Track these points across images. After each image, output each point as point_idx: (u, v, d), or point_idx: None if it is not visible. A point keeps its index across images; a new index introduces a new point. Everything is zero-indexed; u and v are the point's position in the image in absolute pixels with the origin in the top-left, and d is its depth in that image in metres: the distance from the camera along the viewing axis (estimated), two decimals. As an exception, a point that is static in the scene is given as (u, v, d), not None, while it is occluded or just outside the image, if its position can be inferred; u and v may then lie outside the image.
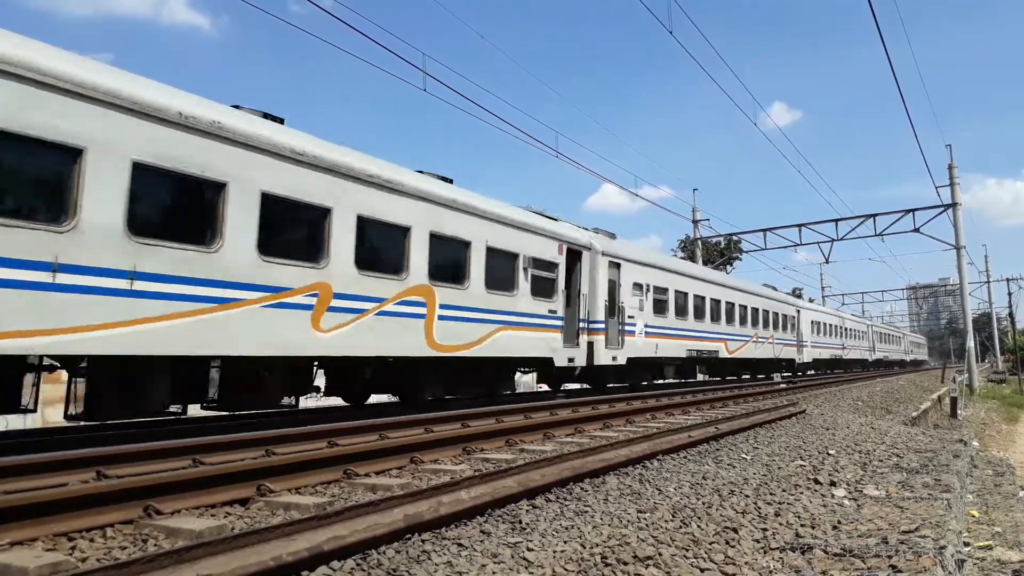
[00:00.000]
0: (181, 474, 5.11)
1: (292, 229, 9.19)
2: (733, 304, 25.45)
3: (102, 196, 7.07)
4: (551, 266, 14.39)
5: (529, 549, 4.04)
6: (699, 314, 22.40)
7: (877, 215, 33.50)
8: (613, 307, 16.76)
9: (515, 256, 13.25)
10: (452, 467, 6.59)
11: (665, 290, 19.84)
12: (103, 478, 5.31)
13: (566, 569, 3.77)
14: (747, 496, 5.85)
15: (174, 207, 7.98)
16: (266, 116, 9.33)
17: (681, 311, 20.85)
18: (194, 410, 9.02)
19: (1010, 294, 71.58)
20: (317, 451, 6.54)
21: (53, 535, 4.02)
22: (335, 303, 9.49)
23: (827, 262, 37.08)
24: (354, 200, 9.81)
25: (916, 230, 32.21)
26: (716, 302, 23.73)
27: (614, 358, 16.71)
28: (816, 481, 6.82)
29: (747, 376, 29.30)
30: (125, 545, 3.96)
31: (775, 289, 33.46)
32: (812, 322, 36.82)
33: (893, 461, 8.48)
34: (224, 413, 9.44)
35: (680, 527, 4.75)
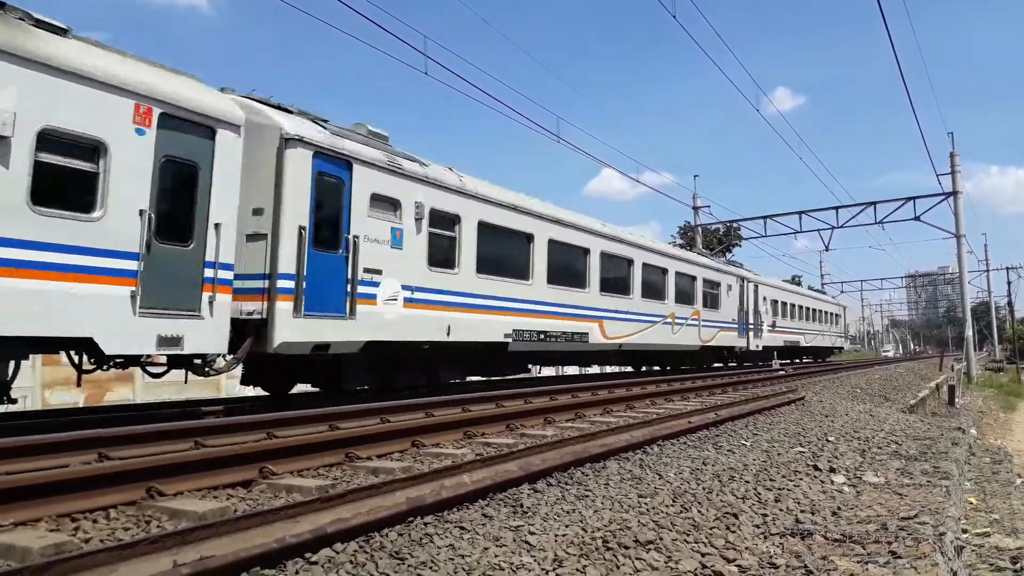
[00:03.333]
0: (183, 456, 5.13)
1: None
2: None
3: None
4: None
5: (531, 532, 4.05)
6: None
7: (878, 203, 33.38)
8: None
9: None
10: (454, 451, 6.61)
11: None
12: (105, 460, 5.32)
13: (568, 553, 3.78)
14: (747, 482, 5.87)
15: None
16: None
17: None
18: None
19: (1009, 283, 71.63)
20: (319, 434, 6.56)
21: (56, 516, 4.03)
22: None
23: (827, 249, 37.09)
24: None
25: (917, 218, 32.11)
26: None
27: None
28: (816, 467, 6.84)
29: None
30: (128, 526, 3.97)
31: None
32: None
33: (892, 448, 8.51)
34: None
35: (681, 512, 4.77)
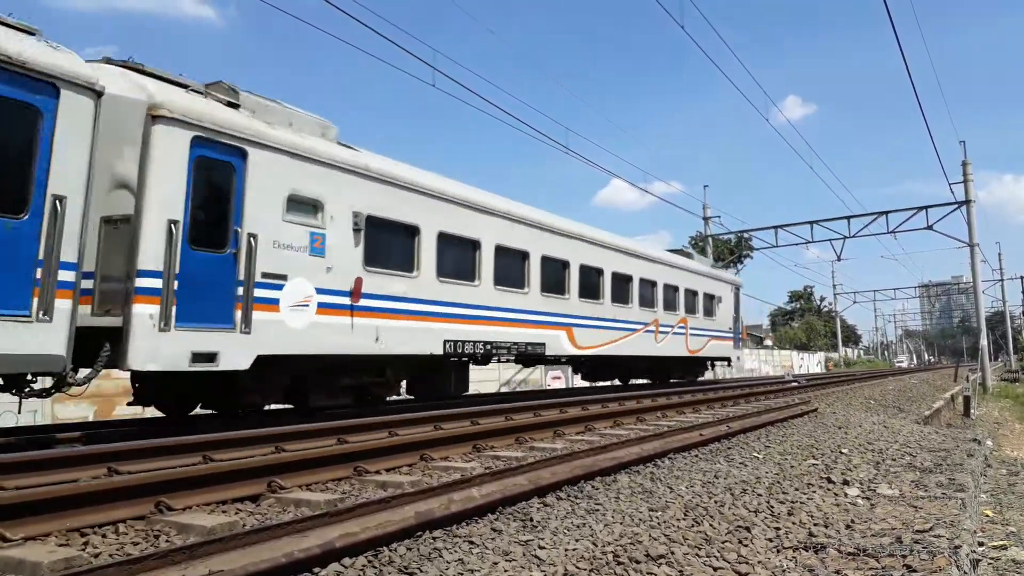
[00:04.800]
0: (192, 470, 5.13)
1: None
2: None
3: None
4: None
5: (540, 547, 4.02)
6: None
7: (890, 212, 33.31)
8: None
9: None
10: (462, 464, 6.58)
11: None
12: (115, 474, 5.33)
13: (578, 567, 3.74)
14: (759, 495, 5.81)
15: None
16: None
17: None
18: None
19: (1024, 292, 70.91)
20: (327, 448, 6.55)
21: (66, 531, 4.04)
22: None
23: (839, 259, 36.93)
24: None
25: (929, 227, 31.95)
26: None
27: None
28: (829, 480, 6.77)
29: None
30: (137, 541, 3.97)
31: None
32: None
33: (906, 460, 8.40)
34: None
35: (692, 526, 4.72)
